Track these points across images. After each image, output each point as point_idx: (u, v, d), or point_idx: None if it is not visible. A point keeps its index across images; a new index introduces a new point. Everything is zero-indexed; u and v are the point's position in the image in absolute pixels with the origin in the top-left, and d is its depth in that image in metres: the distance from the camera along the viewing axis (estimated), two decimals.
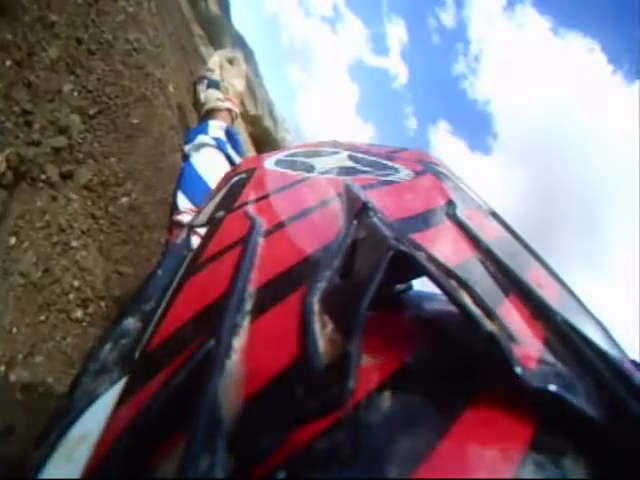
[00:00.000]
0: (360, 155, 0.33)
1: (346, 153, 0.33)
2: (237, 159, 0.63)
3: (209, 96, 0.70)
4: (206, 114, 0.70)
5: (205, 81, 0.71)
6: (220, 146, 0.61)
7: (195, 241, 0.26)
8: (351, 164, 0.31)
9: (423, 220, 0.23)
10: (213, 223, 0.26)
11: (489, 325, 0.14)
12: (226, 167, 0.60)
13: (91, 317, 0.41)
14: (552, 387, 0.13)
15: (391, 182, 0.28)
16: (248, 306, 0.17)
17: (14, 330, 0.35)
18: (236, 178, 0.31)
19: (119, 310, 0.45)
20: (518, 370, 0.13)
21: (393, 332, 0.17)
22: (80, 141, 0.45)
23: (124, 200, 0.49)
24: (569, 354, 0.15)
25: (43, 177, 0.41)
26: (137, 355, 0.18)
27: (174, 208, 0.54)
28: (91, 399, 0.17)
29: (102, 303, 0.43)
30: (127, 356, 0.19)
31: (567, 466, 0.12)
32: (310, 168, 0.30)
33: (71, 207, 0.43)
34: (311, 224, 0.23)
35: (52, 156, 0.42)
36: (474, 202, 0.27)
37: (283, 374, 0.14)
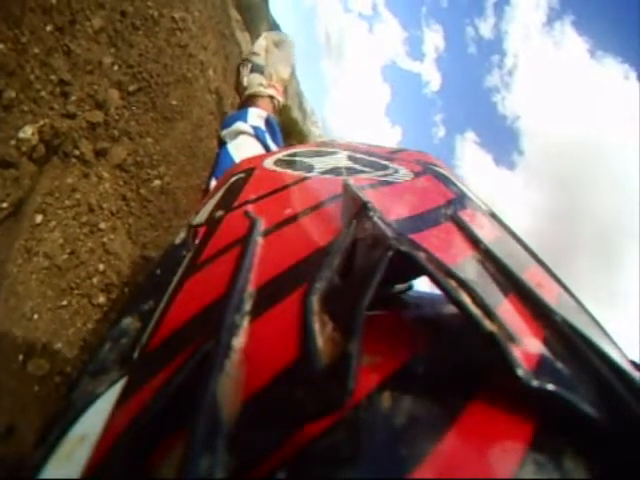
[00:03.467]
0: (359, 155, 0.33)
1: (345, 153, 0.33)
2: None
3: (252, 81, 0.67)
4: (247, 99, 0.67)
5: (249, 64, 0.67)
6: (258, 135, 0.59)
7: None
8: (350, 164, 0.31)
9: (423, 220, 0.23)
10: (212, 223, 0.26)
11: (489, 325, 0.14)
12: None
13: (113, 303, 0.39)
14: (552, 387, 0.13)
15: (391, 182, 0.28)
16: (248, 306, 0.17)
17: (35, 317, 0.33)
18: (235, 177, 0.31)
19: None
20: (518, 370, 0.13)
21: (393, 332, 0.17)
22: (117, 117, 0.43)
23: (156, 183, 0.47)
24: (569, 354, 0.15)
25: (76, 153, 0.39)
26: (136, 355, 0.18)
27: (206, 195, 0.53)
28: (91, 399, 0.17)
29: (126, 289, 0.41)
30: (126, 356, 0.18)
31: (567, 466, 0.12)
32: (309, 168, 0.30)
33: (102, 186, 0.41)
34: (310, 224, 0.23)
35: (87, 131, 0.40)
36: (473, 203, 0.27)
37: (283, 374, 0.14)
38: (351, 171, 0.30)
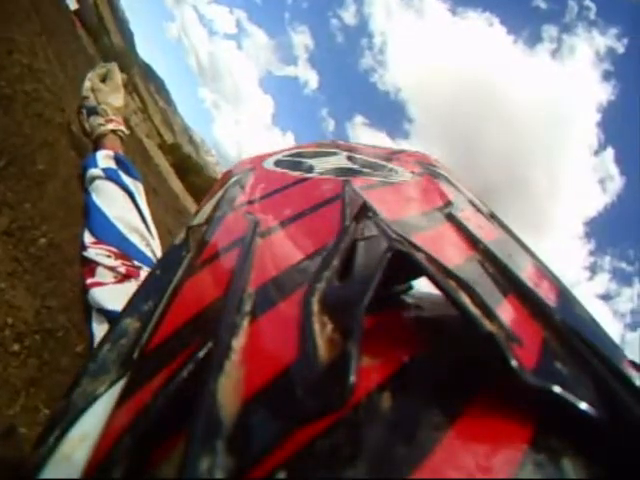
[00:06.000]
0: (359, 156, 0.33)
1: (345, 154, 0.33)
2: (130, 185, 0.62)
3: (92, 124, 0.68)
4: (95, 143, 0.68)
5: (84, 110, 0.69)
6: (110, 176, 0.61)
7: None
8: (350, 165, 0.31)
9: (422, 221, 0.23)
10: (212, 223, 0.26)
11: (488, 325, 0.14)
12: (121, 195, 0.61)
13: (28, 350, 0.43)
14: (552, 387, 0.13)
15: (390, 183, 0.28)
16: (247, 307, 0.17)
17: None
18: (235, 178, 0.31)
19: (54, 341, 0.47)
20: (517, 370, 0.13)
21: (393, 332, 0.17)
22: None
23: (42, 241, 0.51)
24: (568, 354, 0.15)
25: None
26: (136, 356, 0.18)
27: (81, 244, 0.54)
28: (91, 399, 0.17)
29: (37, 336, 0.44)
30: (126, 356, 0.18)
31: (567, 466, 0.12)
32: (309, 168, 0.30)
33: None
34: (310, 224, 0.23)
35: None
36: (472, 203, 0.27)
37: (283, 374, 0.14)
38: (351, 172, 0.30)
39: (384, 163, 0.32)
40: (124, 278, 0.50)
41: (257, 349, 0.15)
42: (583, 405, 0.13)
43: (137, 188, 0.64)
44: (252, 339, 0.15)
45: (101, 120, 0.68)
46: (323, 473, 0.12)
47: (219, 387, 0.13)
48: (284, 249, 0.21)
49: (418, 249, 0.18)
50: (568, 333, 0.16)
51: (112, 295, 0.48)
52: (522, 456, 0.12)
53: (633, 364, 0.16)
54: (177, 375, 0.15)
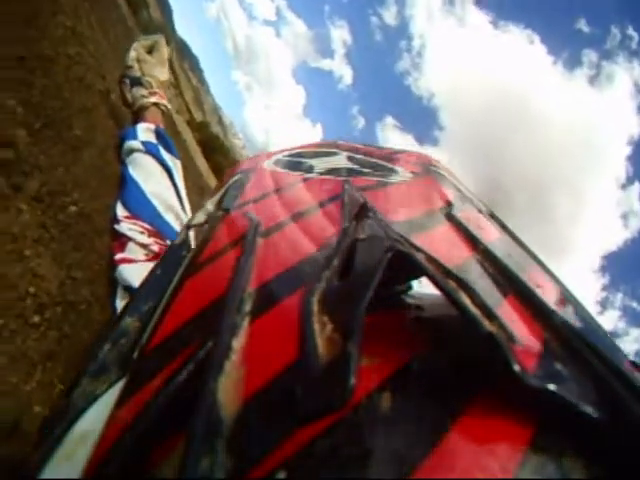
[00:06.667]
0: (359, 156, 0.33)
1: (345, 154, 0.33)
2: (169, 161, 0.61)
3: (134, 95, 0.67)
4: (136, 114, 0.67)
5: (127, 80, 0.68)
6: (150, 150, 0.60)
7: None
8: (350, 165, 0.31)
9: (422, 221, 0.23)
10: (212, 222, 0.26)
11: (488, 325, 0.14)
12: (159, 171, 0.60)
13: (49, 322, 0.42)
14: (552, 387, 0.13)
15: (390, 183, 0.28)
16: (247, 307, 0.17)
17: None
18: (235, 177, 0.31)
19: (76, 315, 0.47)
20: (517, 370, 0.13)
21: (393, 333, 0.17)
22: (27, 154, 0.47)
23: (73, 209, 0.50)
24: (568, 354, 0.15)
25: None
26: (136, 355, 0.18)
27: (113, 217, 0.53)
28: (91, 399, 0.17)
29: (58, 308, 0.44)
30: (126, 356, 0.18)
31: (567, 466, 0.12)
32: (310, 169, 0.30)
33: (22, 217, 0.44)
34: (310, 225, 0.23)
35: (1, 169, 0.43)
36: (473, 204, 0.27)
37: (282, 374, 0.14)
38: (351, 172, 0.30)
39: (384, 163, 0.32)
40: (155, 257, 0.48)
41: (257, 349, 0.15)
42: (583, 405, 0.13)
43: (175, 165, 0.63)
44: (252, 339, 0.15)
45: (144, 92, 0.66)
46: (323, 473, 0.12)
47: (219, 387, 0.13)
48: (284, 249, 0.21)
49: (418, 249, 0.18)
50: (568, 334, 0.16)
51: (141, 273, 0.46)
52: (523, 456, 0.12)
53: (633, 364, 0.16)
54: (177, 375, 0.15)
